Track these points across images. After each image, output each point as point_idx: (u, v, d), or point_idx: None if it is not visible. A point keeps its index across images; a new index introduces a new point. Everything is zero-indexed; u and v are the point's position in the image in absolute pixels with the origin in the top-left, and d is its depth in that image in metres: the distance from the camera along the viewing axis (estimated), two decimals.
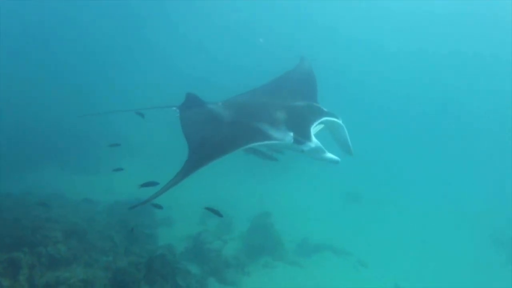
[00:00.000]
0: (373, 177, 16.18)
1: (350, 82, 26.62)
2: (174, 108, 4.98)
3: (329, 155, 3.94)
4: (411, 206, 15.04)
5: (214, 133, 4.11)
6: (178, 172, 3.56)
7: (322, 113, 4.18)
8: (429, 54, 29.91)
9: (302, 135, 3.86)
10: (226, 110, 4.47)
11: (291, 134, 3.88)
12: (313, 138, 3.87)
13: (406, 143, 21.70)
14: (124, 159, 17.42)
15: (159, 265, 7.50)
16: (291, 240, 10.76)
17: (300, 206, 13.09)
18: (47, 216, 8.11)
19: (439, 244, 12.82)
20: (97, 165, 15.89)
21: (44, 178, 13.24)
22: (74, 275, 6.49)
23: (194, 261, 8.95)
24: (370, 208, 14.33)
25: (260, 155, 4.56)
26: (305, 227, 11.66)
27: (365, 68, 28.95)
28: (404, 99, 28.06)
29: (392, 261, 10.88)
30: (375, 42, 30.46)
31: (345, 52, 29.25)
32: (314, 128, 4.07)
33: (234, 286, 8.34)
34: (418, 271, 10.89)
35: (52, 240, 7.10)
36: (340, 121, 4.19)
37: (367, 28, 30.49)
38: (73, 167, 15.01)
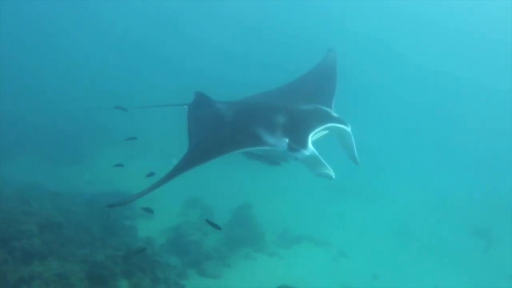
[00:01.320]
0: (357, 169, 16.31)
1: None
2: (185, 106, 4.88)
3: (324, 168, 3.60)
4: (392, 197, 15.28)
5: (210, 135, 4.01)
6: (166, 175, 3.39)
7: (328, 119, 3.86)
8: None
9: (298, 142, 3.56)
10: (229, 110, 4.30)
11: (286, 140, 3.62)
12: (310, 146, 3.54)
13: (391, 136, 21.96)
14: (106, 150, 17.22)
15: (137, 258, 7.44)
16: (272, 231, 10.81)
17: (281, 197, 13.13)
18: (22, 209, 7.92)
19: (419, 235, 13.08)
20: (78, 156, 15.62)
21: (21, 168, 12.93)
22: (49, 269, 6.36)
23: (175, 253, 8.92)
24: (352, 199, 14.50)
25: (261, 159, 4.31)
26: (286, 218, 11.72)
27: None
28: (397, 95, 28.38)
29: (372, 252, 11.07)
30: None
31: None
32: (316, 135, 3.78)
33: (215, 278, 8.34)
34: (397, 261, 11.11)
35: (27, 234, 6.95)
36: (347, 129, 3.86)
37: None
38: (52, 157, 14.67)
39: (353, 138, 3.92)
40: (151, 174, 5.95)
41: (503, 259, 12.97)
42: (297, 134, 3.62)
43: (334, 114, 4.03)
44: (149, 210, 5.72)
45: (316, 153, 3.53)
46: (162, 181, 3.28)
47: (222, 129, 4.03)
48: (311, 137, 3.62)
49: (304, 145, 3.54)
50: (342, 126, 3.85)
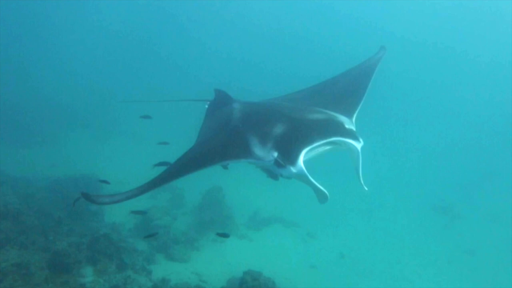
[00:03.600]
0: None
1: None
2: (208, 102, 4.66)
3: (316, 188, 3.21)
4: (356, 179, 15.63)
5: (205, 140, 3.78)
6: (152, 180, 3.10)
7: (334, 132, 3.32)
8: None
9: (287, 157, 3.12)
10: (238, 113, 3.93)
11: (275, 154, 3.19)
12: (299, 163, 3.07)
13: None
14: (71, 131, 16.59)
15: (102, 245, 7.28)
16: (242, 214, 10.86)
17: (252, 180, 13.16)
18: None
19: (383, 214, 13.51)
20: (40, 138, 14.98)
21: None
22: (6, 259, 6.13)
23: (141, 237, 8.78)
24: (320, 180, 14.73)
25: (261, 169, 3.89)
26: (256, 201, 11.79)
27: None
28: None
29: (339, 232, 11.38)
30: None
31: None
32: (316, 150, 3.33)
33: (183, 262, 8.32)
34: (363, 241, 11.47)
35: None
36: (356, 145, 3.32)
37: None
38: (12, 139, 13.98)
39: (360, 156, 3.37)
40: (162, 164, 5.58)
41: (462, 235, 13.71)
42: (289, 147, 3.17)
43: (347, 126, 3.46)
44: (105, 182, 5.38)
45: (305, 171, 3.07)
46: (148, 186, 3.03)
47: (220, 134, 3.71)
48: (307, 152, 3.15)
49: (292, 161, 3.08)
50: (350, 141, 3.28)
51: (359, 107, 4.03)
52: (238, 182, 12.24)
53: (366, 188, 3.44)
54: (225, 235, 5.03)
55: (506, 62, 31.70)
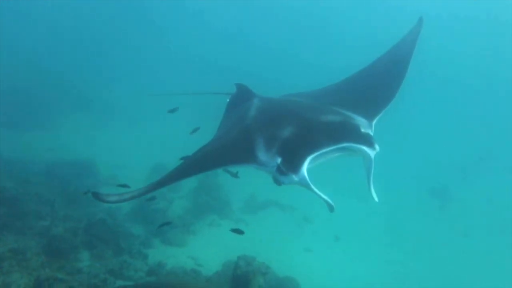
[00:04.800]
0: None
1: None
2: (230, 95, 4.49)
3: (321, 196, 2.95)
4: (354, 164, 15.67)
5: (219, 138, 3.60)
6: (161, 178, 2.99)
7: (347, 136, 3.05)
8: None
9: (289, 164, 2.90)
10: (255, 110, 3.69)
11: (279, 160, 2.96)
12: (302, 171, 2.86)
13: None
14: (69, 115, 16.53)
15: (99, 230, 7.37)
16: (238, 198, 10.92)
17: None
18: None
19: (379, 197, 13.58)
20: (38, 121, 14.93)
21: None
22: (3, 245, 6.19)
23: (139, 222, 8.88)
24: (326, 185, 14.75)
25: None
26: (252, 185, 11.82)
27: None
28: None
29: (334, 215, 11.45)
30: None
31: None
32: (323, 156, 3.05)
33: (179, 246, 8.43)
34: (358, 223, 11.59)
35: None
36: (369, 152, 3.03)
37: None
38: (9, 122, 13.93)
39: (373, 165, 3.08)
40: (195, 130, 5.64)
41: (457, 217, 13.87)
42: (293, 153, 2.94)
43: (363, 130, 3.16)
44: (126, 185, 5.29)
45: (307, 180, 2.84)
46: (154, 185, 2.93)
47: (230, 133, 3.52)
48: (314, 158, 2.92)
49: (295, 168, 2.85)
50: (362, 147, 3.00)
51: (386, 107, 3.57)
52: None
53: (376, 199, 3.12)
54: (239, 231, 5.05)
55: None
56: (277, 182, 3.20)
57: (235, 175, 4.64)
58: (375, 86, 3.94)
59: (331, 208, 2.97)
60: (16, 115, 14.29)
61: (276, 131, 3.15)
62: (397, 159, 16.68)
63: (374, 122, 3.44)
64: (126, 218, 9.07)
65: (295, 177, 2.86)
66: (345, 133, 3.08)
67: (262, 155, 3.02)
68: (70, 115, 16.57)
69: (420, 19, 4.30)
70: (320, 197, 2.91)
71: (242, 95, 4.27)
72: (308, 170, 2.91)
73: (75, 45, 25.46)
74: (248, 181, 12.00)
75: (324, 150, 2.94)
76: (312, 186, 2.85)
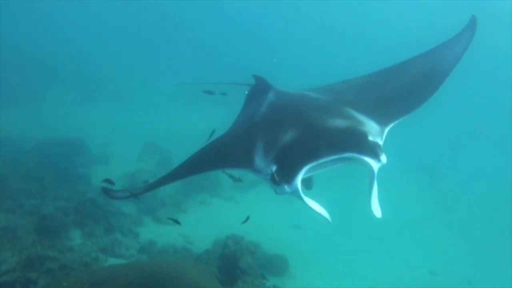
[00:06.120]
0: None
1: None
2: (249, 87, 4.28)
3: (315, 210, 2.73)
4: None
5: (219, 140, 3.44)
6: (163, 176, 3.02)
7: (350, 145, 2.79)
8: None
9: (283, 173, 2.70)
10: (266, 106, 3.47)
11: (274, 168, 2.76)
12: (295, 182, 2.65)
13: None
14: (56, 91, 16.26)
15: (89, 209, 7.42)
16: (229, 176, 10.97)
17: None
18: None
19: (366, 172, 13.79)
20: (24, 97, 14.68)
21: None
22: None
23: (130, 201, 8.93)
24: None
25: None
26: None
27: None
28: None
29: (325, 192, 11.63)
30: None
31: None
32: (322, 165, 2.79)
33: (170, 224, 8.49)
34: (347, 199, 11.77)
35: None
36: (372, 164, 2.73)
37: None
38: None
39: (375, 179, 2.78)
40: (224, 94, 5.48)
41: (443, 193, 14.21)
42: (288, 162, 2.72)
43: (371, 138, 2.86)
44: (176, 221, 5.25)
45: (300, 193, 2.64)
46: (162, 181, 2.99)
47: (235, 133, 3.42)
48: (312, 168, 2.70)
49: (288, 179, 2.65)
50: (365, 158, 2.71)
51: (406, 115, 3.19)
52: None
53: (377, 216, 2.82)
54: (176, 221, 5.07)
55: None
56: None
57: (237, 180, 4.57)
58: (402, 88, 3.52)
59: (326, 221, 2.76)
60: (1, 92, 14.00)
61: (277, 134, 2.94)
62: (387, 136, 16.85)
63: (387, 129, 3.08)
64: None
65: (287, 188, 2.66)
66: (349, 141, 2.82)
67: (259, 160, 2.83)
68: (58, 91, 16.31)
69: (472, 19, 3.75)
70: (314, 211, 2.69)
71: (259, 88, 4.02)
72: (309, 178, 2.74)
73: (62, 19, 24.73)
74: None
75: (322, 160, 2.70)
76: (305, 200, 2.64)
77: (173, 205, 8.99)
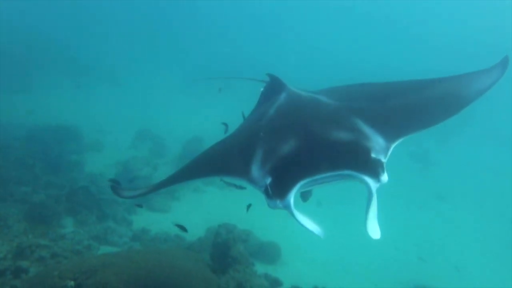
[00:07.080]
0: None
1: None
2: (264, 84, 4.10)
3: (307, 228, 2.56)
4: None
5: (231, 137, 3.32)
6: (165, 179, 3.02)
7: (349, 162, 2.66)
8: None
9: (278, 187, 2.59)
10: (275, 108, 3.36)
11: (269, 180, 2.64)
12: (288, 198, 2.53)
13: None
14: (50, 77, 16.01)
15: (81, 197, 7.39)
16: None
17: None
18: None
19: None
20: (17, 82, 14.45)
21: None
22: None
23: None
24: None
25: None
26: None
27: None
28: None
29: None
30: None
31: None
32: (318, 181, 2.66)
33: (163, 212, 8.54)
34: (339, 188, 11.83)
35: None
36: (371, 183, 2.60)
37: None
38: None
39: (375, 199, 2.60)
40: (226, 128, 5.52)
41: (435, 181, 14.34)
42: (283, 175, 2.62)
43: (373, 155, 2.73)
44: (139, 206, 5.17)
45: (292, 209, 2.53)
46: (167, 182, 2.99)
47: (238, 136, 3.31)
48: (306, 184, 2.58)
49: (281, 194, 2.54)
50: (364, 177, 2.58)
51: (415, 132, 3.02)
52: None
53: (376, 237, 2.56)
54: (183, 228, 5.07)
55: None
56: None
57: (240, 188, 4.50)
58: (419, 105, 3.37)
59: (319, 237, 2.59)
60: None
61: (277, 144, 2.80)
62: None
63: (393, 145, 2.94)
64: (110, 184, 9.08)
65: (279, 203, 2.54)
66: (350, 157, 2.67)
67: (255, 170, 2.70)
68: (51, 77, 16.07)
69: (505, 58, 3.63)
70: (306, 228, 2.55)
71: (273, 87, 3.88)
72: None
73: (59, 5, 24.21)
74: None
75: (318, 177, 2.57)
76: (297, 216, 2.51)
77: (167, 193, 8.97)
